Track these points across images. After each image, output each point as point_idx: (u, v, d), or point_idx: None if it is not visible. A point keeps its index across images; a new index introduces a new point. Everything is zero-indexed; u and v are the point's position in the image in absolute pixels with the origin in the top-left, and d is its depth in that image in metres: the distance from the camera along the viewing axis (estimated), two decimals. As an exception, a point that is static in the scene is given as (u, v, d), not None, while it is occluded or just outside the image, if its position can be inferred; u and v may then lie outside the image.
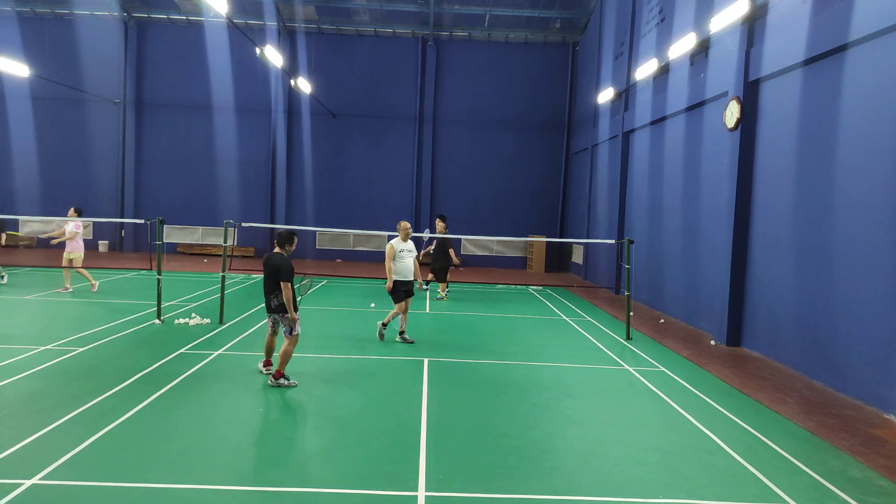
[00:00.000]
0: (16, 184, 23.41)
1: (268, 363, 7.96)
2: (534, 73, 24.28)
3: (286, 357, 7.42)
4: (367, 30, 23.85)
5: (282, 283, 7.31)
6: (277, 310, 7.49)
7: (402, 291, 10.02)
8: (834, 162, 8.56)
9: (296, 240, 7.78)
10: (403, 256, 10.03)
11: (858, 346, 7.89)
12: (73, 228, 13.77)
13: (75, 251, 13.83)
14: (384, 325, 10.18)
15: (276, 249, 7.61)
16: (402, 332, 10.18)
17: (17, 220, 23.16)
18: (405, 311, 10.18)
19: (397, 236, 10.17)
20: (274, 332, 7.85)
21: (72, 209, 13.88)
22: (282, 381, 7.37)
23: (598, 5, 21.23)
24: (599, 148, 20.24)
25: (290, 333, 7.48)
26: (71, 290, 13.79)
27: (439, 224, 15.28)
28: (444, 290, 15.30)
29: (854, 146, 8.17)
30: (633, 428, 6.55)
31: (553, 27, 23.97)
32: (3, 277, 14.48)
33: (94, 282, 13.94)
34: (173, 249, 23.70)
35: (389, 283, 9.87)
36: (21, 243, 23.31)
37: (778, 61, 9.81)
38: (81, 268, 13.86)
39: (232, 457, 5.38)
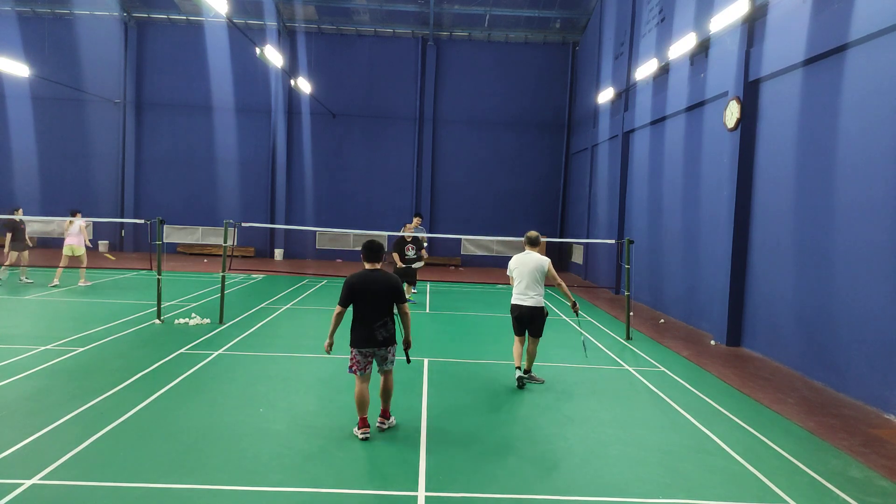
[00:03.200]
0: (16, 184, 23.42)
1: (384, 413, 6.24)
2: (534, 73, 24.28)
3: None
4: (367, 30, 23.84)
5: (400, 306, 6.02)
6: (387, 342, 6.01)
7: (515, 318, 7.97)
8: (834, 162, 8.56)
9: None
10: None
11: (859, 346, 7.89)
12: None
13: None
14: (518, 367, 7.99)
15: (369, 266, 6.07)
16: (526, 370, 8.04)
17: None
18: (527, 346, 8.01)
19: (522, 251, 8.09)
20: (368, 377, 6.07)
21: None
22: (392, 419, 6.30)
23: (598, 5, 21.23)
24: (599, 148, 20.24)
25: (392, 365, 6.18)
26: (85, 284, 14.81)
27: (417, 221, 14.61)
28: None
29: (854, 146, 8.17)
30: (633, 428, 6.55)
31: (553, 27, 23.97)
32: (22, 279, 15.04)
33: (56, 280, 14.74)
34: (173, 249, 23.70)
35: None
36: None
37: (778, 61, 9.80)
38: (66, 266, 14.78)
39: (231, 457, 5.37)
